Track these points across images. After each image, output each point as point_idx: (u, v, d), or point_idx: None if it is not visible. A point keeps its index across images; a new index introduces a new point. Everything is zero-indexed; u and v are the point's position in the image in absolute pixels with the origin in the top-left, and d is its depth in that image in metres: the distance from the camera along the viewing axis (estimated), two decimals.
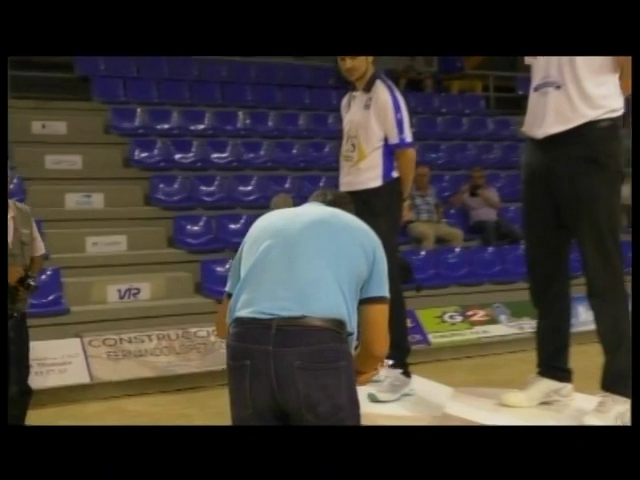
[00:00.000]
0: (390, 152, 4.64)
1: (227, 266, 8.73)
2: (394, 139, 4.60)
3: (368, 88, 4.68)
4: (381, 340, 2.87)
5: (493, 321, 8.85)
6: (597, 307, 3.62)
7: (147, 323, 7.73)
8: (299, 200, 8.85)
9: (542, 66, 3.65)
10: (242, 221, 9.42)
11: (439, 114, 13.31)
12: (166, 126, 11.14)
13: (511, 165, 12.36)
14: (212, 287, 8.51)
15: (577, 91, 3.53)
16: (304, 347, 2.58)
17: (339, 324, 2.64)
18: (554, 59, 3.59)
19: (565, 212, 3.63)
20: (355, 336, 2.78)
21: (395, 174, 4.68)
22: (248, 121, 11.76)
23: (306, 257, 2.73)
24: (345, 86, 11.60)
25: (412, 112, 13.21)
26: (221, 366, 7.25)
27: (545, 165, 3.65)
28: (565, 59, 3.54)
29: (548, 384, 3.87)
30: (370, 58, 4.72)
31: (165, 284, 8.57)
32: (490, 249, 10.26)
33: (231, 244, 9.06)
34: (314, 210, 2.97)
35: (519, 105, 15.51)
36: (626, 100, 3.60)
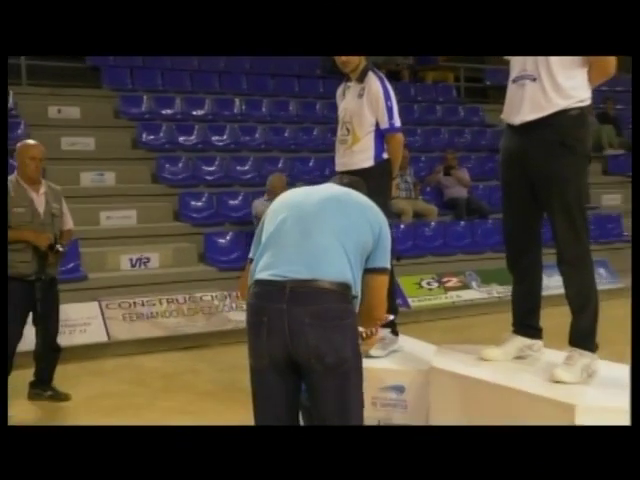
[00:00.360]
0: (381, 136, 4.70)
1: (228, 237, 8.89)
2: (384, 124, 4.68)
3: (361, 79, 4.74)
4: (381, 305, 2.98)
5: (465, 287, 8.94)
6: (566, 274, 3.61)
7: (156, 289, 7.79)
8: (291, 179, 9.10)
9: (520, 61, 3.62)
10: (240, 198, 9.52)
11: (415, 102, 13.32)
12: (170, 111, 11.13)
13: (480, 148, 12.53)
14: (214, 257, 8.63)
15: (550, 83, 3.50)
16: (314, 306, 2.65)
17: (345, 287, 2.71)
18: (530, 57, 3.56)
19: (539, 191, 3.62)
20: (359, 299, 2.84)
21: (385, 155, 4.76)
22: (244, 107, 11.73)
23: (318, 228, 2.78)
24: (332, 76, 11.84)
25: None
26: (224, 327, 7.54)
27: (521, 149, 3.63)
28: (540, 58, 3.53)
29: (522, 341, 3.87)
30: None
31: (172, 254, 8.59)
32: (462, 223, 10.36)
33: (230, 218, 9.28)
34: (330, 189, 3.02)
35: (486, 94, 15.63)
36: (593, 91, 3.60)
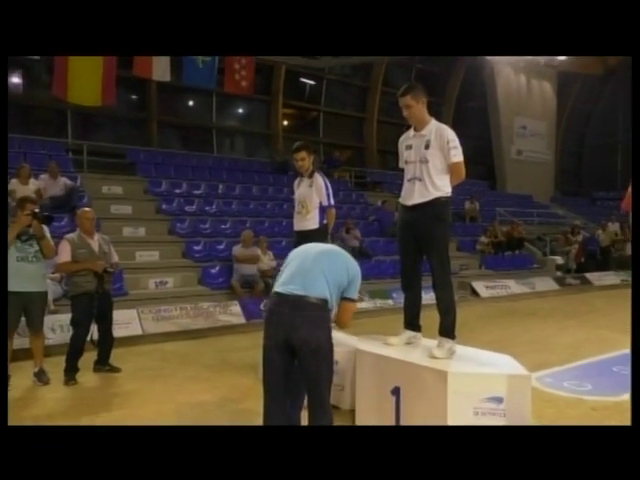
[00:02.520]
0: (322, 210, 4.76)
1: (216, 269, 8.68)
2: (325, 203, 4.73)
3: (311, 176, 4.82)
4: (346, 319, 2.87)
5: (360, 300, 8.91)
6: (437, 293, 3.59)
7: (173, 300, 7.48)
8: (256, 233, 8.98)
9: (411, 168, 3.62)
10: (223, 245, 9.30)
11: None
12: (179, 191, 10.86)
13: (365, 217, 12.72)
14: (208, 281, 8.40)
15: (430, 182, 3.54)
16: (305, 312, 2.63)
17: (324, 302, 2.68)
18: (417, 165, 3.57)
19: (422, 244, 3.60)
20: (334, 311, 2.78)
21: (324, 221, 4.84)
22: (226, 189, 11.52)
23: (313, 266, 2.74)
24: (277, 172, 11.75)
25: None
26: (216, 324, 7.33)
27: (412, 219, 3.61)
28: (424, 166, 3.54)
29: (410, 333, 3.85)
30: (311, 159, 4.90)
31: (181, 279, 8.35)
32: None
33: (218, 257, 9.03)
34: (324, 246, 2.97)
35: (367, 186, 16.05)
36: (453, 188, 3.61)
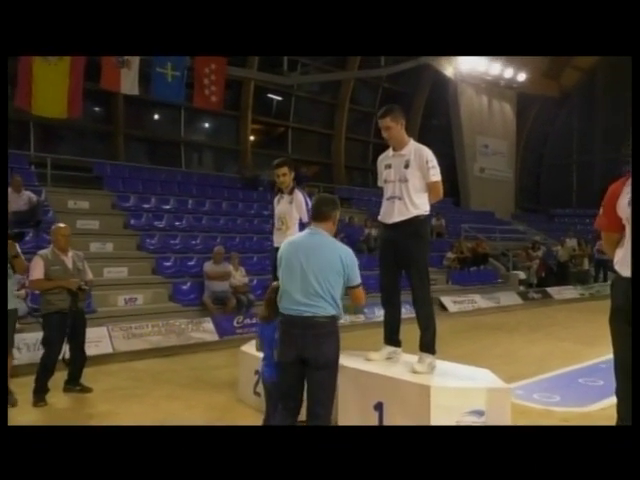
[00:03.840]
0: (302, 226, 4.78)
1: (188, 284, 8.57)
2: (305, 219, 4.76)
3: (291, 192, 4.85)
4: (361, 302, 2.98)
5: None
6: (417, 308, 3.64)
7: (143, 318, 7.32)
8: (227, 250, 8.92)
9: (391, 187, 3.68)
10: (194, 261, 9.17)
11: None
12: (147, 205, 10.66)
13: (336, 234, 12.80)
14: (179, 298, 8.27)
15: (409, 201, 3.61)
16: (315, 330, 2.72)
17: (332, 318, 2.76)
18: (397, 184, 3.62)
19: (402, 261, 3.65)
20: (342, 311, 2.85)
21: None
22: (195, 203, 11.39)
23: (311, 274, 2.76)
24: (246, 187, 11.71)
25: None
26: (188, 342, 7.21)
27: (391, 237, 3.65)
28: (403, 185, 3.59)
29: (390, 349, 3.86)
30: (292, 176, 4.92)
31: (152, 295, 8.17)
32: None
33: (189, 273, 8.91)
34: (309, 240, 2.88)
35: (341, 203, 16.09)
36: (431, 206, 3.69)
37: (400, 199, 3.64)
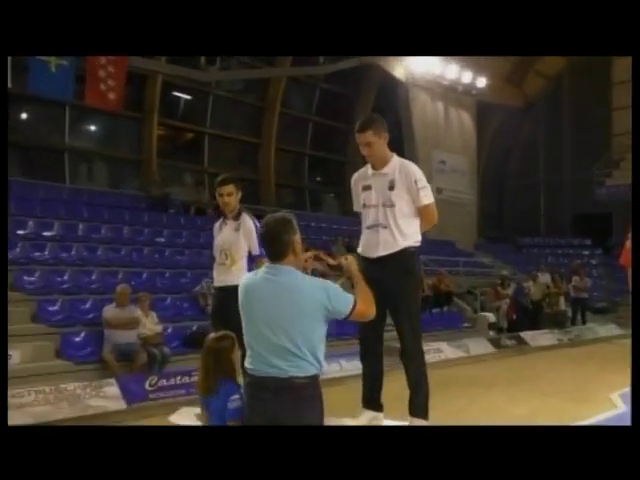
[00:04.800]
0: (251, 260, 4.76)
1: (82, 335, 8.17)
2: (255, 251, 4.72)
3: (237, 218, 4.81)
4: (370, 314, 2.95)
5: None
6: (407, 362, 3.68)
7: (21, 382, 6.76)
8: (132, 287, 8.63)
9: (372, 213, 3.72)
10: (88, 304, 8.79)
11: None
12: (22, 232, 10.11)
13: None
14: (70, 353, 7.85)
15: (397, 230, 3.66)
16: (291, 394, 2.67)
17: (312, 378, 2.71)
18: (380, 210, 3.68)
19: (389, 304, 3.64)
20: (321, 369, 2.76)
21: None
22: (88, 230, 11.02)
23: (279, 330, 2.68)
24: (153, 209, 11.48)
25: (199, 230, 13.18)
26: (88, 412, 6.82)
27: (376, 274, 3.54)
28: (388, 210, 3.65)
29: (370, 414, 3.84)
30: (239, 197, 4.88)
31: (33, 350, 7.66)
32: None
33: (83, 321, 8.50)
34: (271, 286, 2.77)
35: None
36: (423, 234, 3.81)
37: (385, 227, 3.70)
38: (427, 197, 3.73)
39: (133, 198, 13.47)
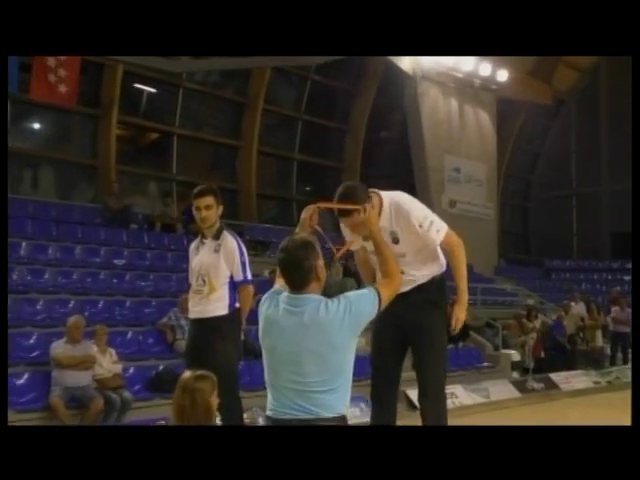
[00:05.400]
0: (234, 287, 4.85)
1: (25, 377, 8.14)
2: (239, 277, 4.80)
3: (217, 236, 4.89)
4: (396, 290, 3.16)
5: (253, 421, 8.72)
6: (426, 405, 3.81)
7: None
8: (87, 319, 8.64)
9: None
10: (33, 338, 8.74)
11: (188, 252, 13.32)
12: None
13: None
14: (10, 399, 7.82)
15: (415, 271, 3.87)
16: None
17: (342, 418, 2.82)
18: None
19: (410, 340, 3.86)
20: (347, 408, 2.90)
21: (237, 304, 4.89)
22: (32, 250, 11.08)
23: (308, 368, 2.80)
24: (111, 225, 11.59)
25: (166, 249, 13.19)
26: None
27: (395, 308, 3.49)
28: (400, 260, 3.66)
29: None
30: (219, 212, 4.95)
31: None
32: (241, 362, 10.28)
33: (26, 360, 8.45)
34: (296, 320, 2.88)
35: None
36: None
37: (402, 273, 3.74)
38: (440, 231, 3.83)
39: (87, 211, 13.51)
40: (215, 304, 4.75)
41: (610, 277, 21.17)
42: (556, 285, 20.86)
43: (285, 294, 2.97)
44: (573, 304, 16.23)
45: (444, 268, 3.97)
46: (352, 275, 11.48)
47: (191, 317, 4.90)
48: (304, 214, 3.41)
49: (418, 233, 3.75)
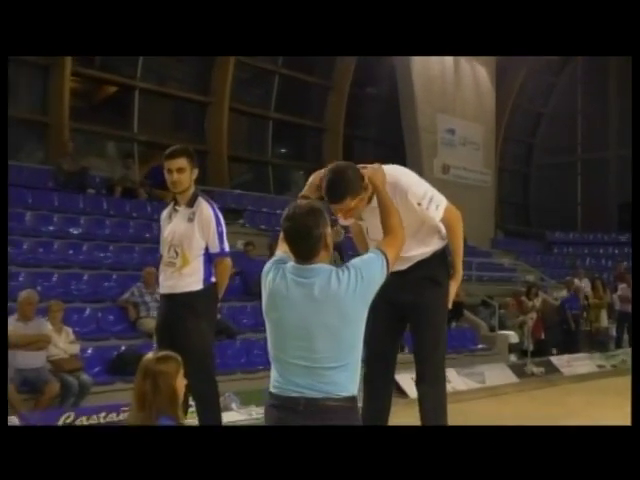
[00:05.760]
0: (210, 260, 4.86)
1: None
2: (215, 248, 4.82)
3: (191, 203, 4.87)
4: (401, 246, 3.23)
5: (225, 408, 8.84)
6: (425, 391, 3.88)
7: None
8: (41, 295, 8.62)
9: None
10: None
11: (152, 220, 13.32)
12: None
13: None
14: None
15: (414, 250, 3.90)
16: (323, 419, 2.82)
17: (350, 400, 2.88)
18: None
19: (407, 319, 3.94)
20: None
21: (213, 279, 4.90)
22: None
23: (320, 342, 2.87)
24: (65, 190, 11.54)
25: (127, 217, 13.16)
26: None
27: (392, 286, 3.47)
28: None
29: None
30: (194, 176, 4.96)
31: None
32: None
33: None
34: (305, 292, 2.93)
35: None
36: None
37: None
38: (440, 205, 3.85)
39: (37, 174, 13.33)
40: (189, 278, 4.75)
41: (617, 251, 21.25)
42: (558, 260, 21.06)
43: (292, 264, 3.00)
44: (576, 281, 16.35)
45: (445, 241, 4.00)
46: (335, 248, 11.49)
47: (162, 292, 4.89)
48: (312, 179, 3.42)
49: (416, 211, 3.77)
